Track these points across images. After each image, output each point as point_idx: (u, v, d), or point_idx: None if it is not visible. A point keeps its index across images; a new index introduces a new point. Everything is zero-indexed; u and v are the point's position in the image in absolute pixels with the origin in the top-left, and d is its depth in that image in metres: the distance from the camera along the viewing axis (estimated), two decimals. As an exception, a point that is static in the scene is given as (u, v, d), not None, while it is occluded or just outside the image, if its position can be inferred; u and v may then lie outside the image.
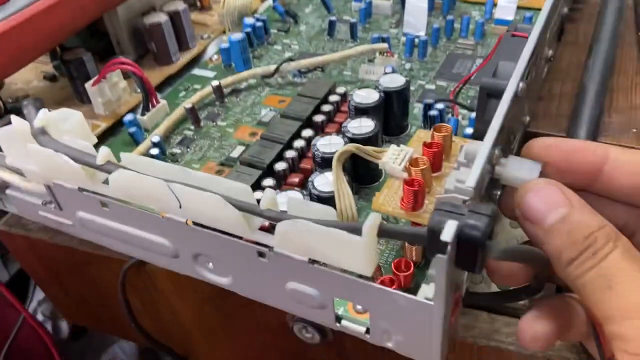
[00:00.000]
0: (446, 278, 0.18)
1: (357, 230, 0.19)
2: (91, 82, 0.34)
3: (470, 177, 0.19)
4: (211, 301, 0.39)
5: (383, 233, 0.19)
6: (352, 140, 0.27)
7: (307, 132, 0.30)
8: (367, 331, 0.22)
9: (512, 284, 0.22)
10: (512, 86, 0.23)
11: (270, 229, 0.22)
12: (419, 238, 0.19)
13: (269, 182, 0.27)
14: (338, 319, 0.23)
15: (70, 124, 0.26)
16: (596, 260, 0.17)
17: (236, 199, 0.21)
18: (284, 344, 0.39)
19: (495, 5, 0.39)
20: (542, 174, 0.21)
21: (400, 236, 0.20)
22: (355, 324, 0.22)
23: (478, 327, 0.29)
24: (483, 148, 0.20)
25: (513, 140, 0.28)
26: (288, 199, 0.21)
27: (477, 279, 0.31)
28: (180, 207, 0.22)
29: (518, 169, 0.21)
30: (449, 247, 0.17)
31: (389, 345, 0.22)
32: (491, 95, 0.24)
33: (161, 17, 0.38)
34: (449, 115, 0.31)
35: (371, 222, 0.19)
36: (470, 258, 0.18)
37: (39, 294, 0.70)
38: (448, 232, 0.17)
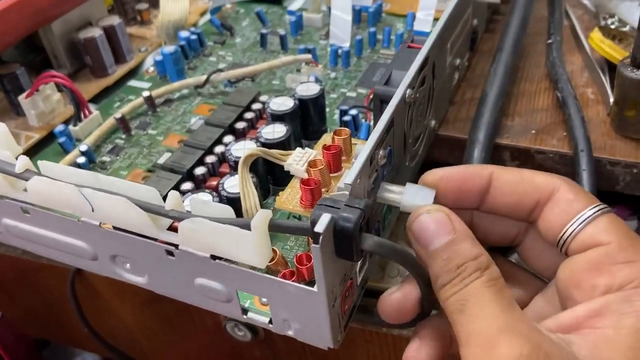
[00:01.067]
0: (322, 266, 0.19)
1: (248, 226, 0.21)
2: (24, 95, 0.35)
3: (349, 175, 0.21)
4: (149, 305, 0.40)
5: (273, 227, 0.21)
6: (264, 145, 0.29)
7: (229, 139, 0.32)
8: (270, 321, 0.24)
9: (403, 321, 0.23)
10: (399, 94, 0.25)
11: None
12: (305, 231, 0.21)
13: (187, 186, 0.29)
14: (245, 311, 0.24)
15: (-7, 135, 0.27)
16: (461, 286, 0.19)
17: (143, 200, 0.23)
18: (221, 345, 0.41)
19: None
20: (437, 200, 0.22)
21: (289, 230, 0.22)
22: (259, 315, 0.24)
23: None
24: (363, 150, 0.22)
25: (418, 143, 0.30)
26: (190, 200, 0.23)
27: (393, 272, 0.33)
28: (92, 210, 0.24)
29: (414, 197, 0.22)
30: (321, 237, 0.19)
31: (290, 333, 0.24)
32: (384, 101, 0.26)
33: (96, 32, 0.39)
34: (363, 120, 0.33)
35: (259, 218, 0.20)
36: (347, 248, 0.20)
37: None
38: (321, 224, 0.19)
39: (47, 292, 0.46)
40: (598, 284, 0.19)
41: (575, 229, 0.20)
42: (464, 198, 0.23)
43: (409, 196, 0.22)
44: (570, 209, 0.21)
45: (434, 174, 0.23)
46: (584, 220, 0.20)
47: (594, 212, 0.20)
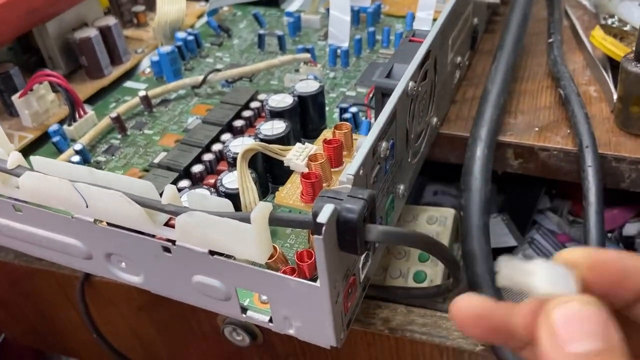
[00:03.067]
0: (325, 259, 0.19)
1: (248, 220, 0.20)
2: (17, 94, 0.34)
3: (352, 166, 0.20)
4: (145, 310, 0.39)
5: (274, 221, 0.21)
6: (263, 141, 0.28)
7: (226, 136, 0.31)
8: (271, 320, 0.23)
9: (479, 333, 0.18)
10: (401, 85, 0.24)
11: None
12: (307, 224, 0.20)
13: (184, 183, 0.28)
14: (244, 310, 0.23)
15: (-15, 133, 0.27)
16: None
17: (139, 195, 0.22)
18: (219, 350, 0.40)
19: (415, 18, 0.41)
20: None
21: (290, 223, 0.21)
22: (259, 314, 0.23)
23: (395, 320, 0.30)
24: (366, 140, 0.21)
25: (420, 139, 0.30)
26: (187, 194, 0.22)
27: (395, 273, 0.33)
28: (87, 206, 0.23)
29: (554, 281, 0.16)
30: (324, 228, 0.18)
31: (291, 332, 0.23)
32: (385, 94, 0.25)
33: (91, 32, 0.39)
34: (363, 118, 0.33)
35: (259, 211, 0.20)
36: (350, 240, 0.19)
37: None
38: (324, 215, 0.18)
39: (41, 299, 0.45)
40: None
41: None
42: (619, 295, 0.17)
43: (546, 279, 0.16)
44: None
45: (580, 256, 0.17)
46: None
47: None
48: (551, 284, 0.16)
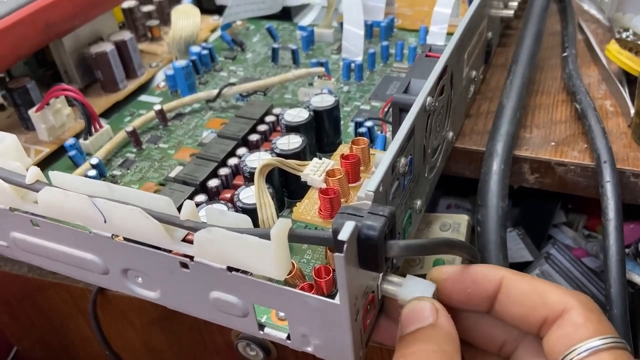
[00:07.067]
0: (346, 276, 0.19)
1: (267, 236, 0.20)
2: (34, 109, 0.35)
3: (371, 182, 0.20)
4: (158, 324, 0.39)
5: (293, 238, 0.20)
6: (279, 156, 0.28)
7: (242, 151, 0.31)
8: (289, 337, 0.23)
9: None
10: (420, 101, 0.24)
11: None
12: (326, 241, 0.20)
13: (201, 198, 0.28)
14: (261, 326, 0.23)
15: (3, 147, 0.27)
16: None
17: (157, 211, 0.22)
18: (232, 365, 0.40)
19: (428, 32, 0.41)
20: (439, 297, 0.22)
21: (310, 240, 0.21)
22: (277, 331, 0.23)
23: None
24: (385, 156, 0.21)
25: (436, 154, 0.30)
26: (206, 210, 0.22)
27: (415, 261, 0.32)
28: (105, 221, 0.23)
29: (412, 291, 0.21)
30: (345, 246, 0.18)
31: (309, 349, 0.22)
32: (403, 110, 0.25)
33: (107, 47, 0.39)
34: (379, 132, 0.33)
35: (279, 227, 0.20)
36: (371, 257, 0.19)
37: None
38: (345, 232, 0.18)
39: (54, 312, 0.45)
40: None
41: (574, 358, 0.19)
42: (471, 302, 0.22)
43: (407, 290, 0.21)
44: (575, 334, 0.19)
45: (440, 273, 0.22)
46: (586, 350, 0.19)
47: (601, 344, 0.19)
48: (412, 293, 0.21)
